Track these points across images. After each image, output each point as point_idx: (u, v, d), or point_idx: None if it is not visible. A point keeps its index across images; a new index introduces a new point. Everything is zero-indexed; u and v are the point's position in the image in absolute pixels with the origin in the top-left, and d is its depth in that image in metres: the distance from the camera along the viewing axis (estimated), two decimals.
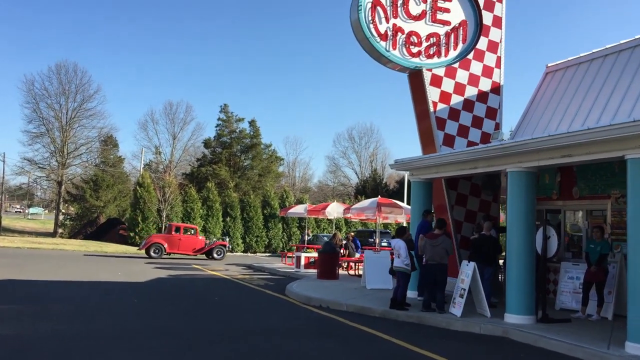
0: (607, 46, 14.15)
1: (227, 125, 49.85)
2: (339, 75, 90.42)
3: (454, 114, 15.13)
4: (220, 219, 40.99)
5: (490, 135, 15.37)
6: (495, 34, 15.70)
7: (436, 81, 15.02)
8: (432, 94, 14.95)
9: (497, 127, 15.54)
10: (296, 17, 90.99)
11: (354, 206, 19.88)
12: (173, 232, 28.58)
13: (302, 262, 20.82)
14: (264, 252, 41.60)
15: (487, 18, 15.64)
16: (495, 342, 9.51)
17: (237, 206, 41.83)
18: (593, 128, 9.01)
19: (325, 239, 37.20)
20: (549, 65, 15.87)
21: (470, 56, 15.40)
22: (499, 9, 15.81)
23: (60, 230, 49.59)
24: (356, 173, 71.62)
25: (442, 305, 11.50)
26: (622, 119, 8.78)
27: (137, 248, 30.52)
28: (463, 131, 15.19)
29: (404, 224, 13.85)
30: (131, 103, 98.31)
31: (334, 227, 39.10)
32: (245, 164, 50.54)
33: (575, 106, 13.93)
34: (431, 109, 14.91)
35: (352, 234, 22.96)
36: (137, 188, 40.31)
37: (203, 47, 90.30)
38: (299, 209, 26.17)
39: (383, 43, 14.76)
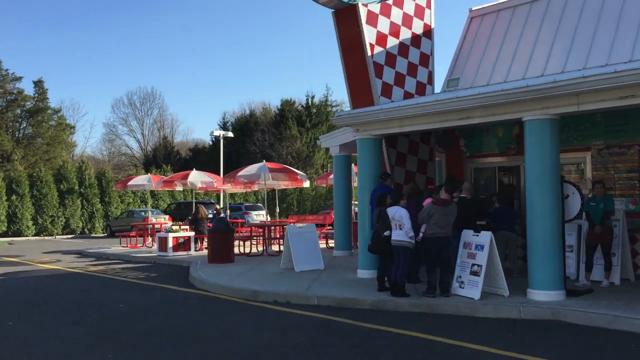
0: None
1: (0, 85, 41.05)
2: (123, 30, 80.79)
3: (390, 59, 12.84)
4: (4, 197, 33.66)
5: (424, 85, 13.47)
6: None
7: (372, 19, 12.54)
8: (369, 34, 12.45)
9: (430, 75, 13.66)
10: None
11: (240, 173, 16.57)
12: None
13: (170, 244, 16.98)
14: (63, 234, 35.33)
15: None
16: (555, 328, 7.68)
17: (25, 182, 34.75)
18: None
19: (143, 213, 32.64)
20: (472, 9, 14.42)
21: None
22: None
23: None
24: (138, 142, 65.56)
25: (448, 287, 9.36)
26: None
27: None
28: (400, 80, 13.01)
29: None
30: None
31: (147, 201, 34.36)
32: (29, 132, 42.37)
33: (527, 49, 12.62)
34: (368, 52, 12.41)
35: (218, 206, 19.63)
36: None
37: None
38: (140, 181, 21.67)
39: None
